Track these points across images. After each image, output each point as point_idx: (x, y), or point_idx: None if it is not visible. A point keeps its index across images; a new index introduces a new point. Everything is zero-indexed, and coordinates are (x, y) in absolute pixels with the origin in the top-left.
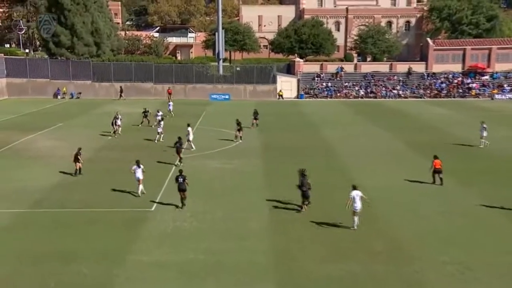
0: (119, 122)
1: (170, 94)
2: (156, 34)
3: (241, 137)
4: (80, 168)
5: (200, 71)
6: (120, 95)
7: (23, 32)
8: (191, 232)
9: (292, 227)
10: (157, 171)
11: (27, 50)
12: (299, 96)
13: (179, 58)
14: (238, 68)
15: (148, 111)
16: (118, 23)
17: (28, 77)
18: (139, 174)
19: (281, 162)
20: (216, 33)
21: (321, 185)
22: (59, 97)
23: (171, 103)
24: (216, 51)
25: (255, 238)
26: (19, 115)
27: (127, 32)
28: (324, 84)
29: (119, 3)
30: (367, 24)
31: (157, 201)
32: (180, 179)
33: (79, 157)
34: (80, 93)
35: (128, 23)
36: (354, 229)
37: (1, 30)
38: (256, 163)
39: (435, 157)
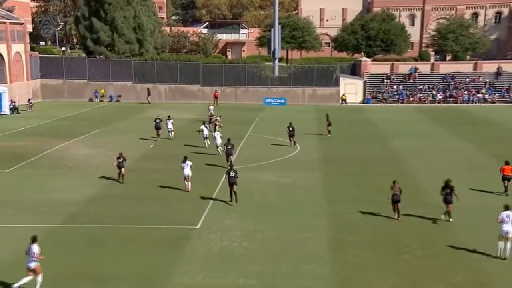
0: (170, 125)
1: (216, 98)
2: (205, 30)
3: (294, 142)
4: (122, 175)
5: (253, 72)
6: (147, 98)
7: (59, 28)
8: (240, 254)
9: (356, 251)
10: (202, 186)
11: (63, 48)
12: (365, 100)
13: (229, 57)
14: (292, 68)
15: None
16: (162, 18)
17: (64, 78)
18: (187, 170)
19: (344, 176)
20: (272, 29)
21: (389, 204)
22: (96, 100)
23: (211, 107)
24: (272, 50)
25: (314, 262)
26: (53, 119)
27: (172, 28)
28: (394, 87)
29: None
30: (447, 16)
31: (202, 218)
32: (232, 173)
33: (118, 161)
34: (120, 95)
35: (173, 18)
36: (504, 259)
37: (37, 26)
38: (315, 177)
39: (507, 163)
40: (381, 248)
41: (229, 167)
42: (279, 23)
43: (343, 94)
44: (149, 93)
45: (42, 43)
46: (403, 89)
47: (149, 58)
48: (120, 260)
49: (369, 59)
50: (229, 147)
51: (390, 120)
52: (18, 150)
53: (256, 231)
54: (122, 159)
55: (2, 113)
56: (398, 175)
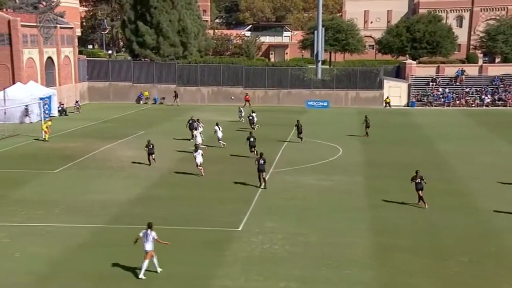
0: (219, 133)
1: (247, 101)
2: (248, 33)
3: (301, 138)
4: (153, 159)
5: (296, 74)
6: (175, 101)
7: (106, 32)
8: (282, 257)
9: (400, 256)
10: (244, 188)
11: (110, 52)
12: (409, 103)
13: (272, 59)
14: (335, 71)
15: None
16: (206, 21)
17: (110, 81)
18: (199, 158)
19: (387, 180)
20: (315, 32)
21: (434, 209)
22: (141, 102)
23: (242, 109)
24: (315, 52)
25: (356, 267)
26: (99, 121)
27: (216, 31)
28: (440, 90)
29: None
30: (498, 17)
31: (244, 220)
32: (261, 161)
33: (148, 148)
34: (163, 98)
35: (217, 20)
36: None
37: (85, 30)
38: (357, 181)
39: None
40: (425, 254)
41: (259, 156)
42: (323, 26)
43: (387, 97)
44: (176, 96)
45: (90, 46)
46: (449, 92)
47: (192, 60)
48: (163, 261)
49: (414, 62)
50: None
51: (435, 124)
52: (65, 151)
53: (298, 234)
54: (151, 145)
55: (51, 115)
56: (443, 179)
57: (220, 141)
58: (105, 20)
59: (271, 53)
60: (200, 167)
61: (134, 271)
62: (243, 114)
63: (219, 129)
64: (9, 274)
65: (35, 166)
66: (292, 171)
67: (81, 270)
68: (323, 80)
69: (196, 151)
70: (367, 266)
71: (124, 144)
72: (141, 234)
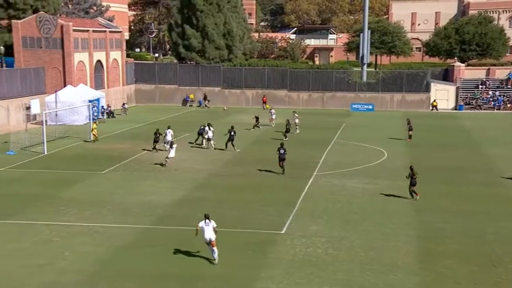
0: (210, 133)
1: (264, 102)
2: (293, 36)
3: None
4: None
5: (341, 77)
6: (205, 103)
7: (153, 35)
8: (326, 261)
9: (446, 262)
10: (288, 190)
11: (156, 55)
12: (457, 107)
13: (317, 62)
14: (381, 74)
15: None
16: (251, 24)
17: (156, 83)
18: (210, 134)
19: (433, 184)
20: (361, 34)
21: (482, 214)
22: (187, 104)
23: (273, 110)
24: (360, 55)
25: (401, 272)
26: (145, 123)
27: (261, 34)
28: (490, 93)
29: (254, 2)
30: None
31: (287, 223)
32: (282, 150)
33: (155, 137)
34: (208, 100)
35: (262, 23)
36: None
37: (133, 34)
38: (402, 185)
39: None
40: (473, 260)
41: (280, 146)
42: (369, 28)
43: (434, 100)
44: (205, 98)
45: (137, 49)
46: (499, 95)
47: (237, 63)
48: (206, 262)
49: (462, 64)
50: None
51: (484, 127)
52: (112, 153)
53: (342, 238)
54: (158, 135)
55: (99, 117)
56: (491, 184)
57: (210, 142)
58: (152, 24)
59: (316, 56)
60: (211, 141)
61: (178, 271)
62: (274, 116)
63: (210, 130)
64: (60, 272)
65: (83, 167)
66: (336, 174)
67: (127, 269)
68: (368, 83)
69: (209, 127)
70: (412, 271)
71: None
72: (200, 225)
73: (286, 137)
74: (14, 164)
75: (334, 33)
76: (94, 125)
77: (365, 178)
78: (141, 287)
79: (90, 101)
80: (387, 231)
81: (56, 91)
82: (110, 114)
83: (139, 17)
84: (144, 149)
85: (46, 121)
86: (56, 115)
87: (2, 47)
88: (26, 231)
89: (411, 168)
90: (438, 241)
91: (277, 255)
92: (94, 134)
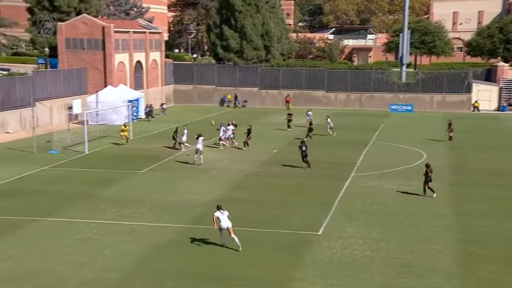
0: (221, 133)
1: (288, 102)
2: (331, 36)
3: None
4: (176, 144)
5: (379, 78)
6: (235, 104)
7: (192, 36)
8: (363, 262)
9: (489, 266)
10: (325, 191)
11: (195, 55)
12: (500, 108)
13: (355, 63)
14: (420, 74)
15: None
16: (289, 24)
17: (194, 84)
18: (200, 145)
19: (474, 187)
20: (401, 34)
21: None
22: (224, 105)
23: (310, 112)
24: (399, 55)
25: (440, 275)
26: (183, 123)
27: (299, 34)
28: None
29: (292, 2)
30: None
31: (324, 224)
32: (303, 147)
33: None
34: (246, 101)
35: (300, 24)
36: None
37: (172, 35)
38: (442, 187)
39: None
40: None
41: (301, 143)
42: (408, 28)
43: (476, 101)
44: (236, 98)
45: (176, 50)
46: None
47: (275, 64)
48: (242, 262)
49: (506, 64)
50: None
51: None
52: (151, 152)
53: (379, 240)
54: (177, 133)
55: (138, 117)
56: None
57: (183, 144)
58: (191, 25)
59: (354, 56)
60: (200, 155)
61: (215, 270)
62: (311, 118)
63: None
64: (101, 269)
65: (122, 166)
66: (374, 175)
67: (165, 268)
68: (407, 84)
69: (197, 139)
70: (452, 275)
71: (207, 146)
72: (216, 215)
73: (310, 137)
74: (56, 163)
75: (373, 33)
76: (124, 127)
77: (403, 180)
78: (178, 286)
79: (129, 101)
80: (425, 234)
81: (97, 91)
82: (149, 114)
83: (178, 18)
84: (170, 147)
85: (87, 120)
86: (97, 115)
87: (47, 49)
88: (68, 229)
89: (426, 166)
90: (480, 245)
91: (314, 256)
92: (123, 135)
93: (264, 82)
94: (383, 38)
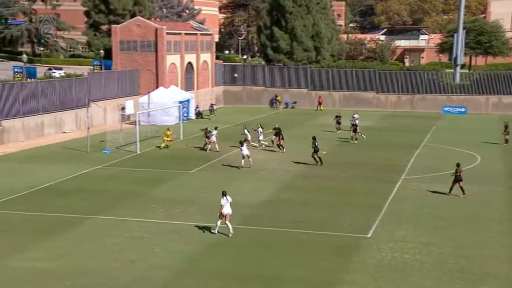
0: (248, 136)
1: (320, 104)
2: (382, 37)
3: (281, 145)
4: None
5: (432, 79)
6: (277, 104)
7: (242, 37)
8: (413, 267)
9: None
10: (375, 193)
11: (245, 56)
12: None
13: (406, 64)
14: (475, 75)
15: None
16: (340, 25)
17: (244, 85)
18: (245, 151)
19: None
20: (455, 34)
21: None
22: (274, 106)
23: (356, 115)
24: (453, 56)
25: (495, 282)
26: (233, 124)
27: (349, 35)
28: None
29: (343, 3)
30: None
31: (373, 227)
32: (316, 143)
33: (206, 134)
34: (295, 102)
35: (351, 25)
36: None
37: (222, 36)
38: (496, 191)
39: None
40: None
41: (313, 139)
42: (464, 28)
43: None
44: (276, 98)
45: (226, 51)
46: None
47: (325, 65)
48: (290, 264)
49: None
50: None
51: None
52: (201, 153)
53: (431, 244)
54: (208, 132)
55: (188, 117)
56: None
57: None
58: (241, 26)
59: (406, 57)
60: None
61: (262, 271)
62: (357, 121)
63: (260, 131)
64: (151, 268)
65: (173, 166)
66: (426, 178)
67: (214, 267)
68: (461, 85)
69: (242, 145)
70: (508, 281)
71: (254, 148)
72: (222, 202)
73: (356, 139)
74: (109, 162)
75: (426, 34)
76: (168, 132)
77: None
78: (226, 285)
79: (180, 102)
80: (479, 239)
81: (148, 92)
82: (199, 115)
83: (229, 20)
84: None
85: (139, 121)
86: (149, 115)
87: (102, 51)
88: (119, 227)
89: (457, 165)
90: None
91: (363, 259)
92: (168, 140)
93: (314, 83)
94: (436, 38)
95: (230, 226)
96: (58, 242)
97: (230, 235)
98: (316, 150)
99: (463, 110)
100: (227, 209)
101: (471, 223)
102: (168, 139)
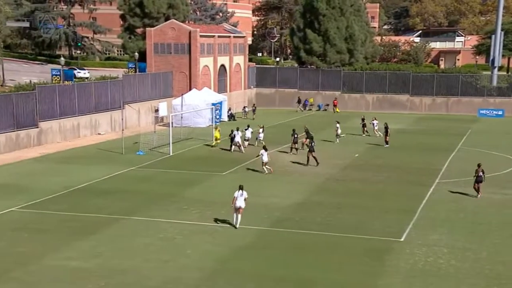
0: (249, 135)
1: (335, 105)
2: (417, 39)
3: (297, 149)
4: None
5: (468, 81)
6: (303, 106)
7: (275, 40)
8: (448, 272)
9: None
10: (408, 196)
11: (277, 59)
12: None
13: (442, 66)
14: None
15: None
16: (374, 27)
17: (276, 87)
18: (265, 157)
19: None
20: (493, 36)
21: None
22: (306, 108)
23: (375, 121)
24: (491, 58)
25: None
26: (265, 126)
27: (383, 37)
28: None
29: (378, 5)
30: None
31: (407, 231)
32: (313, 143)
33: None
34: (327, 104)
35: (385, 27)
36: None
37: (255, 39)
38: None
39: None
40: None
41: (310, 140)
42: (502, 29)
43: None
44: (299, 101)
45: (259, 54)
46: None
47: (358, 67)
48: (323, 267)
49: None
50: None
51: None
52: (233, 155)
53: (466, 249)
54: (233, 134)
55: (221, 119)
56: None
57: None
58: (274, 29)
59: (441, 60)
60: (266, 166)
61: (294, 274)
62: (376, 127)
63: (238, 133)
64: (183, 268)
65: (205, 168)
66: (461, 182)
67: (246, 270)
68: (498, 88)
69: (265, 150)
70: None
71: (287, 149)
72: (235, 195)
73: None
74: (143, 164)
75: (462, 35)
76: (217, 131)
77: (492, 187)
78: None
79: (213, 104)
80: None
81: (182, 95)
82: (232, 117)
83: (262, 22)
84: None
85: (172, 123)
86: (182, 117)
87: (136, 53)
88: (152, 228)
89: (478, 165)
90: None
91: (396, 263)
92: (216, 138)
93: (347, 85)
94: (473, 40)
95: (239, 219)
96: (92, 242)
97: (237, 226)
98: (311, 150)
99: (500, 113)
100: (239, 202)
101: (508, 228)
102: (218, 136)
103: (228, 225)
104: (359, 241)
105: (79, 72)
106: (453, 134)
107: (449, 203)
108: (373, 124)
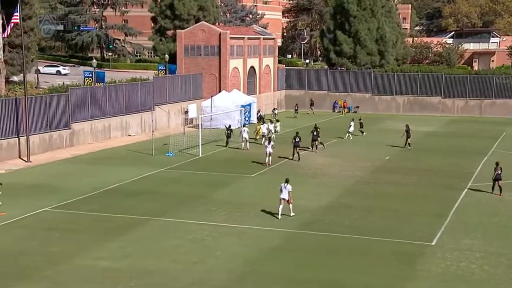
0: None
1: (345, 107)
2: (450, 40)
3: (316, 146)
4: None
5: (503, 83)
6: (310, 108)
7: (305, 41)
8: (481, 277)
9: None
10: (439, 200)
11: (307, 61)
12: None
13: (475, 68)
14: None
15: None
16: (405, 28)
17: (306, 89)
18: (269, 148)
19: None
20: None
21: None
22: (336, 110)
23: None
24: None
25: None
26: (295, 128)
27: (415, 39)
28: None
29: (409, 6)
30: None
31: (438, 235)
32: (297, 139)
33: (295, 141)
34: (357, 106)
35: (417, 28)
36: None
37: (285, 40)
38: None
39: None
40: None
41: (295, 134)
42: None
43: None
44: (312, 104)
45: (289, 56)
46: None
47: (389, 69)
48: (352, 270)
49: None
50: (297, 140)
51: None
52: (261, 157)
53: (500, 254)
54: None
55: (250, 121)
56: None
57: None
58: (304, 30)
59: (475, 61)
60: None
61: (323, 277)
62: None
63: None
64: (211, 270)
65: (234, 170)
66: (490, 186)
67: (274, 271)
68: None
69: (269, 141)
70: None
71: (317, 152)
72: (281, 186)
73: (409, 144)
74: (172, 165)
75: (497, 36)
76: (258, 127)
77: None
78: None
79: (242, 106)
80: None
81: (211, 96)
82: (261, 119)
83: (292, 24)
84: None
85: (201, 124)
86: (211, 119)
87: (167, 55)
88: (181, 229)
89: (496, 164)
90: None
91: (427, 267)
92: (258, 133)
93: (377, 87)
94: (508, 41)
95: (291, 207)
96: (122, 242)
97: (292, 214)
98: (296, 145)
99: None
100: (283, 195)
101: None
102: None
103: (256, 227)
104: (389, 245)
105: (64, 69)
106: (487, 137)
107: (482, 207)
108: (350, 125)
